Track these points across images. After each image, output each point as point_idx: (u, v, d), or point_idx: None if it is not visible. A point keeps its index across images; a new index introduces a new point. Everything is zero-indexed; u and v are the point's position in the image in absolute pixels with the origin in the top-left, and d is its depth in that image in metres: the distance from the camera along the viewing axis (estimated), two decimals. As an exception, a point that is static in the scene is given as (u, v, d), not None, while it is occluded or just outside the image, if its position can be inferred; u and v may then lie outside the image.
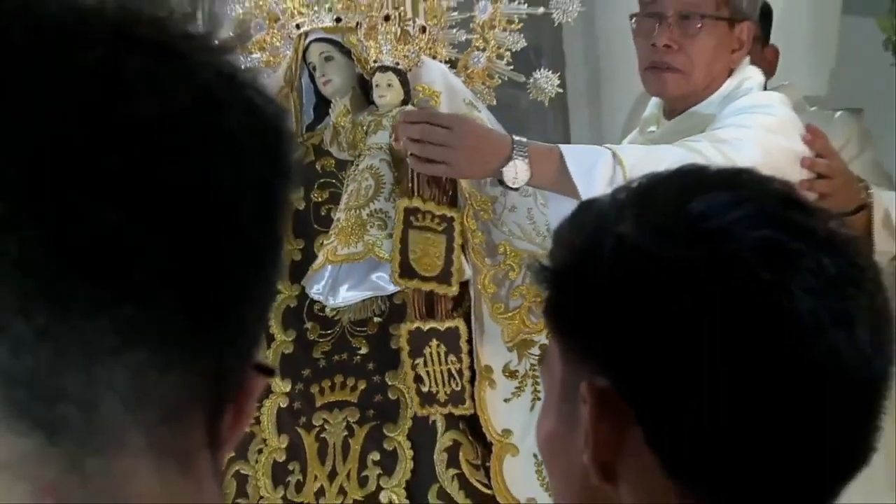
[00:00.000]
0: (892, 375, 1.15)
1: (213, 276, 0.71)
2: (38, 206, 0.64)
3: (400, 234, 3.12)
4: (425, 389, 3.14)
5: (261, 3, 3.64)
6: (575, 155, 3.16)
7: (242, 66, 0.79)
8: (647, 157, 3.17)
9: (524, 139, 3.14)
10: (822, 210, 1.22)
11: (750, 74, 3.62)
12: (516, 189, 3.18)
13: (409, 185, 3.25)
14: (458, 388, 3.15)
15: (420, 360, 3.14)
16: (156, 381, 0.68)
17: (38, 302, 0.64)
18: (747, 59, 3.65)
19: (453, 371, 3.15)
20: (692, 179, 1.22)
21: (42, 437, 0.66)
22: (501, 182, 3.13)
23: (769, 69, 4.26)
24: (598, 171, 3.06)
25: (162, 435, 0.70)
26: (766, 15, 4.31)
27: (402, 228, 3.13)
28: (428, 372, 3.14)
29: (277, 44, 3.65)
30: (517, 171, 3.06)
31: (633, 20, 3.67)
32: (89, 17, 0.71)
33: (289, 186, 0.78)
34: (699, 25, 3.49)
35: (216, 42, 0.77)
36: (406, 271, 3.14)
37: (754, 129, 3.33)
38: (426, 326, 3.17)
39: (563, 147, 3.24)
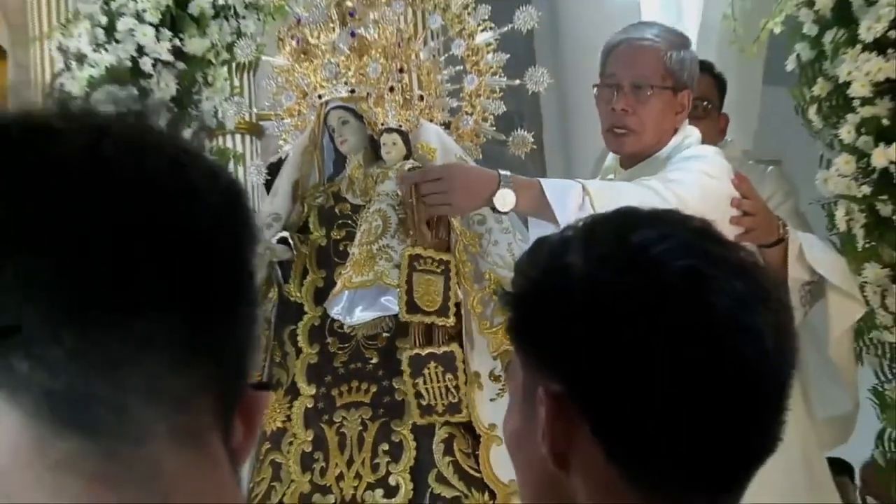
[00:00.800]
0: (794, 378, 1.18)
1: (204, 296, 0.73)
2: (71, 258, 0.67)
3: (406, 277, 3.16)
4: (424, 403, 3.16)
5: (291, 79, 3.68)
6: (551, 185, 3.24)
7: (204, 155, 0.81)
8: (610, 189, 3.31)
9: (508, 173, 3.20)
10: (733, 243, 1.25)
11: (690, 133, 3.65)
12: (506, 213, 3.26)
13: (412, 235, 3.27)
14: (455, 401, 3.17)
15: (420, 380, 3.16)
16: (167, 380, 0.70)
17: (68, 328, 0.66)
18: (687, 119, 3.68)
19: (450, 387, 3.17)
20: (629, 219, 1.25)
21: (81, 437, 0.67)
22: (493, 209, 3.19)
23: (723, 131, 4.32)
24: (570, 198, 3.12)
25: (178, 422, 0.71)
26: (721, 89, 4.35)
27: (407, 272, 3.17)
28: (427, 389, 3.16)
29: (304, 111, 3.68)
30: (505, 198, 3.12)
31: (595, 89, 3.69)
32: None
33: (251, 236, 0.80)
34: (649, 93, 3.54)
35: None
36: (412, 308, 3.18)
37: (696, 173, 3.38)
38: (424, 352, 3.20)
39: (542, 179, 3.31)
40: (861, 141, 3.94)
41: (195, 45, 4.66)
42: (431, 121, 3.51)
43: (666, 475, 1.14)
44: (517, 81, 3.57)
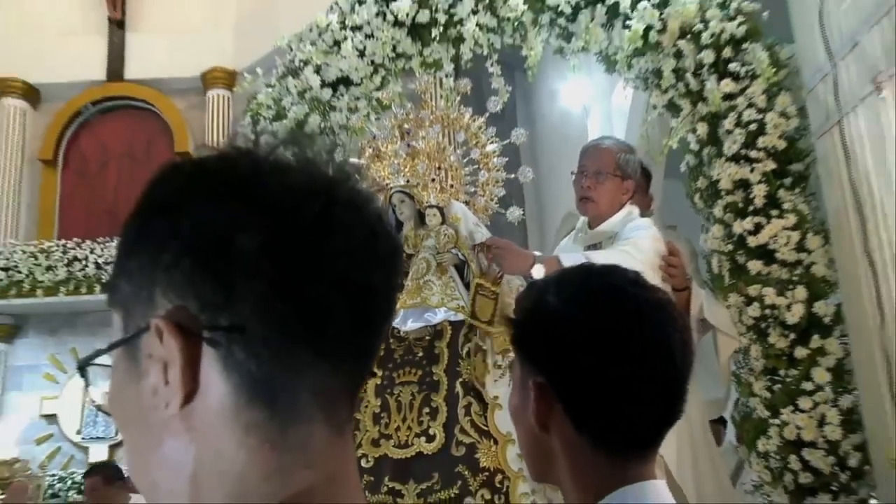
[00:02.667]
0: (691, 374, 1.23)
1: (365, 329, 0.72)
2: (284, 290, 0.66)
3: (472, 298, 3.16)
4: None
5: (367, 175, 3.63)
6: (566, 258, 3.28)
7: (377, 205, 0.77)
8: (603, 255, 3.33)
9: (539, 253, 3.37)
10: (656, 287, 1.28)
11: (632, 209, 3.71)
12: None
13: (478, 271, 3.31)
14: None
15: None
16: (329, 382, 0.70)
17: (275, 337, 0.66)
18: (630, 199, 3.72)
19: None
20: (585, 272, 1.29)
21: (265, 410, 0.67)
22: (529, 276, 3.26)
23: (649, 205, 4.31)
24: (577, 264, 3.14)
25: (331, 412, 0.70)
26: (648, 178, 4.35)
27: (474, 294, 3.18)
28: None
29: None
30: (539, 271, 3.19)
31: (572, 174, 3.69)
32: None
33: (399, 274, 0.78)
34: (605, 178, 3.57)
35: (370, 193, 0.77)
36: (474, 317, 3.24)
37: (649, 240, 3.46)
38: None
39: (560, 254, 3.43)
40: (727, 216, 3.92)
41: (309, 154, 4.59)
42: (457, 199, 3.47)
43: (615, 437, 1.18)
44: (512, 176, 3.53)
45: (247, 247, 0.66)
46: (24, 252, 9.40)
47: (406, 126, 3.58)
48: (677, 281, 3.50)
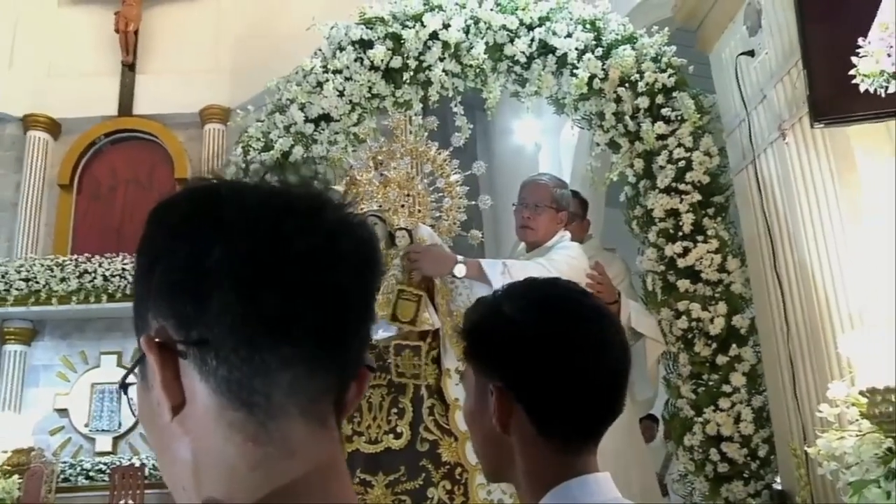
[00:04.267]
0: (629, 372, 1.17)
1: (338, 329, 0.67)
2: (252, 300, 0.63)
3: (395, 301, 3.02)
4: (399, 371, 3.07)
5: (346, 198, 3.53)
6: (486, 263, 3.24)
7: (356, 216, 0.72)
8: (520, 265, 3.29)
9: (462, 257, 3.23)
10: (592, 295, 1.23)
11: (564, 235, 3.69)
12: (461, 278, 3.20)
13: (405, 279, 3.12)
14: (418, 372, 3.07)
15: (398, 358, 3.07)
16: (305, 381, 0.66)
17: (243, 345, 0.63)
18: (563, 227, 3.69)
19: (416, 364, 3.07)
20: (534, 285, 1.22)
21: (244, 410, 0.65)
22: (453, 275, 3.19)
23: (586, 230, 4.22)
24: (497, 270, 3.17)
25: (309, 408, 0.66)
26: (585, 207, 4.27)
27: (396, 298, 3.07)
28: (399, 364, 3.07)
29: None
30: (460, 270, 3.15)
31: (514, 206, 3.63)
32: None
33: (376, 276, 0.71)
34: (541, 210, 3.54)
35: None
36: (394, 318, 3.09)
37: (565, 257, 3.41)
38: (403, 343, 3.09)
39: (481, 259, 3.31)
40: (659, 241, 3.89)
41: (291, 179, 4.49)
42: (424, 222, 3.37)
43: (567, 431, 1.12)
44: (473, 202, 3.46)
45: (210, 264, 0.64)
46: (42, 265, 9.24)
47: (380, 157, 3.48)
48: (606, 295, 3.45)
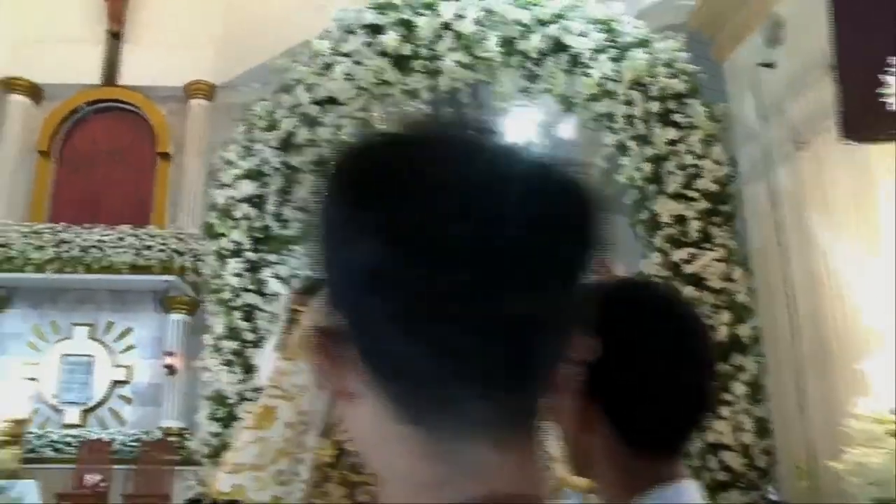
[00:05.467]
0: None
1: (520, 355, 0.53)
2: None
3: None
4: None
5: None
6: None
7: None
8: None
9: None
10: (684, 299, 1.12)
11: None
12: None
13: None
14: None
15: None
16: (481, 404, 0.53)
17: (413, 367, 0.52)
18: None
19: None
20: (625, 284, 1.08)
21: (412, 428, 0.52)
22: None
23: None
24: None
25: (501, 435, 0.54)
26: None
27: None
28: None
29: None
30: None
31: None
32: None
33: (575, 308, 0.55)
34: None
35: None
36: None
37: None
38: None
39: None
40: (665, 246, 3.86)
41: (294, 160, 4.42)
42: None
43: (650, 438, 1.00)
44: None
45: (388, 271, 0.50)
46: (18, 232, 8.99)
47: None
48: None
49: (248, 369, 4.16)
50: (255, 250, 4.28)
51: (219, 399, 4.15)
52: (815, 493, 2.94)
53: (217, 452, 4.05)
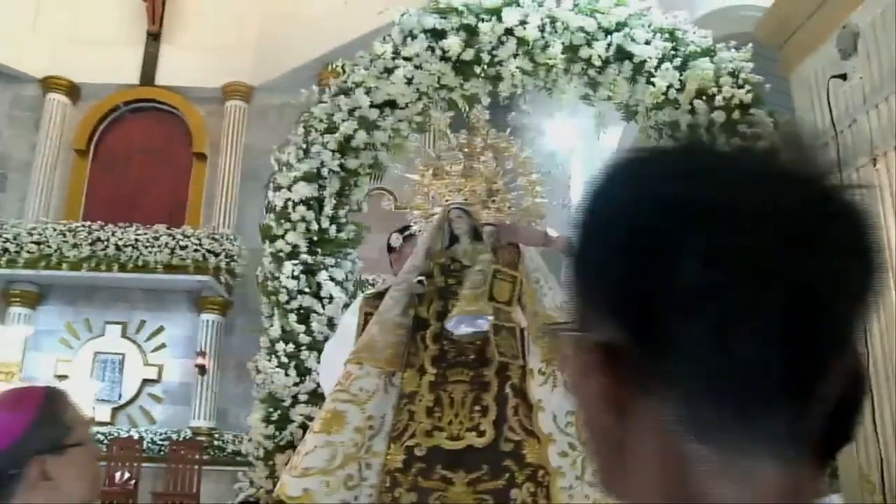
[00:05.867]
0: None
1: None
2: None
3: (491, 283, 2.92)
4: (500, 351, 2.95)
5: (420, 188, 3.44)
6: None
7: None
8: None
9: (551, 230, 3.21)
10: None
11: None
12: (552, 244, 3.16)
13: (496, 260, 3.05)
14: (516, 352, 2.98)
15: (497, 337, 2.97)
16: (773, 424, 0.52)
17: (708, 390, 0.52)
18: None
19: (514, 344, 2.99)
20: None
21: (700, 446, 0.52)
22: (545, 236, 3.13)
23: None
24: None
25: (775, 451, 0.53)
26: None
27: (492, 279, 2.94)
28: (500, 343, 2.96)
29: (426, 207, 3.43)
30: (551, 233, 3.13)
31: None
32: None
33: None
34: None
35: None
36: (492, 299, 2.98)
37: None
38: (500, 323, 2.99)
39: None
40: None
41: (352, 163, 4.40)
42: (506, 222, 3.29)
43: None
44: (554, 203, 3.39)
45: (690, 286, 0.50)
46: (54, 229, 9.04)
47: (465, 150, 3.40)
48: None
49: (303, 372, 4.15)
50: (311, 252, 4.27)
51: (272, 401, 4.14)
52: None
53: (270, 455, 4.04)
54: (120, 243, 9.04)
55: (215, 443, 8.83)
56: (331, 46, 9.82)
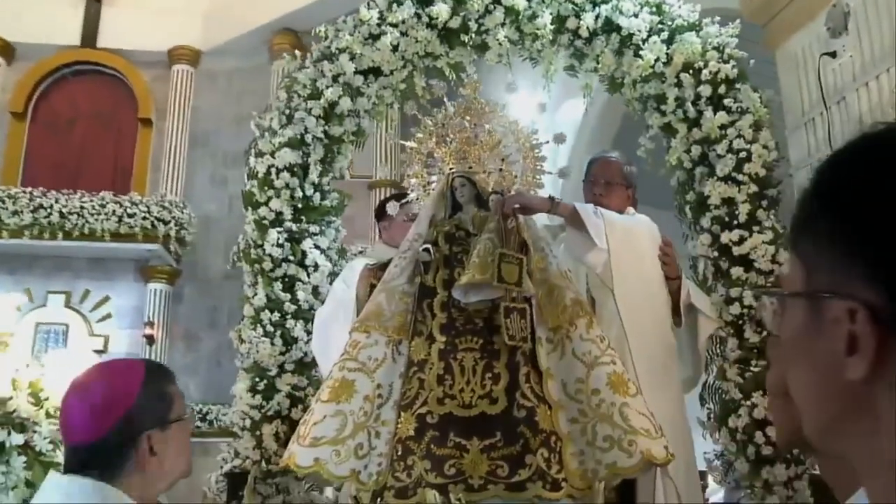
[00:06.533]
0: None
1: None
2: None
3: (497, 265, 2.89)
4: (509, 333, 2.90)
5: (418, 155, 3.39)
6: (580, 205, 3.34)
7: None
8: (607, 212, 3.38)
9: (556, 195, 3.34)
10: None
11: (631, 207, 3.66)
12: (558, 211, 3.26)
13: (503, 243, 3.01)
14: (525, 334, 2.94)
15: (508, 320, 2.92)
16: None
17: None
18: (630, 203, 3.68)
19: (523, 326, 2.94)
20: None
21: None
22: (551, 200, 3.23)
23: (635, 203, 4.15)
24: (589, 211, 3.30)
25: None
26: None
27: (498, 262, 2.91)
28: (509, 325, 2.91)
29: (424, 175, 3.38)
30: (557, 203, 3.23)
31: (584, 182, 3.62)
32: None
33: None
34: (613, 186, 3.55)
35: None
36: (501, 281, 2.92)
37: (647, 224, 3.50)
38: (510, 305, 2.95)
39: (575, 203, 3.35)
40: (714, 228, 3.90)
41: (336, 130, 4.31)
42: (509, 189, 3.27)
43: None
44: (552, 173, 3.39)
45: None
46: (-8, 196, 8.62)
47: (468, 117, 3.36)
48: (671, 269, 3.44)
49: (289, 341, 4.08)
50: (296, 220, 4.18)
51: (258, 370, 4.06)
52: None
53: (257, 425, 3.97)
54: (64, 210, 8.69)
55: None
56: (282, 12, 9.58)
